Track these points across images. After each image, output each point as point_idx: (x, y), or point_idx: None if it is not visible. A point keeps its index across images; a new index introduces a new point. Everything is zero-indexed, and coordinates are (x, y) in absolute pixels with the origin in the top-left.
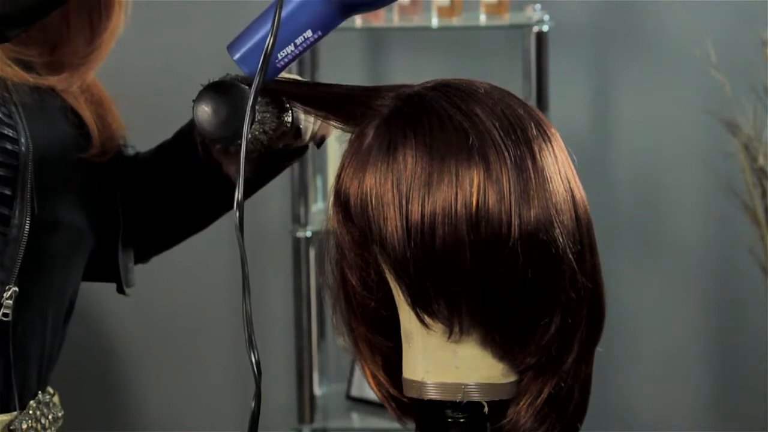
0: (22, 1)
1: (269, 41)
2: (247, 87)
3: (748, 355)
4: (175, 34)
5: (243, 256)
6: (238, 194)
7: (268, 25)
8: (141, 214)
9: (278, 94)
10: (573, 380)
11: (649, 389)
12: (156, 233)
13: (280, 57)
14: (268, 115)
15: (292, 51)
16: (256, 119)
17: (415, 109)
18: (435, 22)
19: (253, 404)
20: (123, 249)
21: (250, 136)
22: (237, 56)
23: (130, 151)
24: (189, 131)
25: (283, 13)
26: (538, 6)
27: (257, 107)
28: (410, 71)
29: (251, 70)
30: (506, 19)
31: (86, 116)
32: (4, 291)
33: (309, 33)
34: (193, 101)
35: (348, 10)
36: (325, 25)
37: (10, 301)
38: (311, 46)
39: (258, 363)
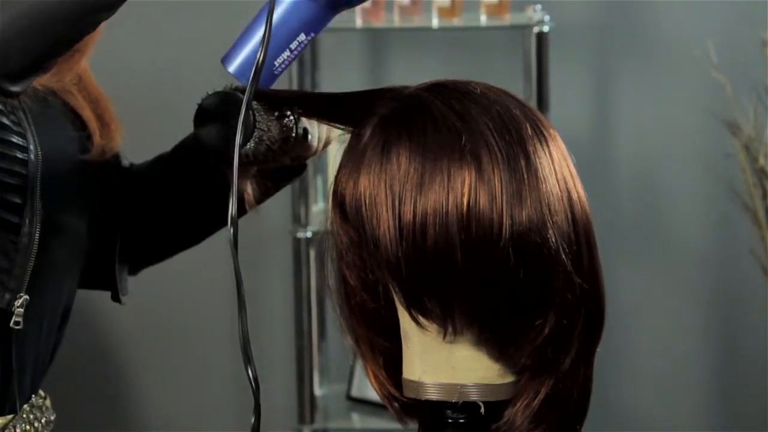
0: (31, 53)
1: (260, 55)
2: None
3: (748, 355)
4: (175, 34)
5: (238, 274)
6: (232, 210)
7: (260, 34)
8: (134, 227)
9: (275, 101)
10: (571, 382)
11: (649, 389)
12: (149, 246)
13: (276, 64)
14: (272, 125)
15: (288, 57)
16: (260, 129)
17: (410, 110)
18: (435, 22)
19: (252, 419)
20: (119, 257)
21: (252, 146)
22: (232, 69)
23: (125, 163)
24: (191, 143)
25: (273, 21)
26: (538, 7)
27: (260, 118)
28: (411, 72)
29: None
30: (507, 19)
31: (87, 115)
32: (16, 299)
33: (302, 36)
34: (195, 115)
35: (335, 7)
36: (317, 26)
37: (21, 309)
38: (305, 48)
39: (256, 378)
